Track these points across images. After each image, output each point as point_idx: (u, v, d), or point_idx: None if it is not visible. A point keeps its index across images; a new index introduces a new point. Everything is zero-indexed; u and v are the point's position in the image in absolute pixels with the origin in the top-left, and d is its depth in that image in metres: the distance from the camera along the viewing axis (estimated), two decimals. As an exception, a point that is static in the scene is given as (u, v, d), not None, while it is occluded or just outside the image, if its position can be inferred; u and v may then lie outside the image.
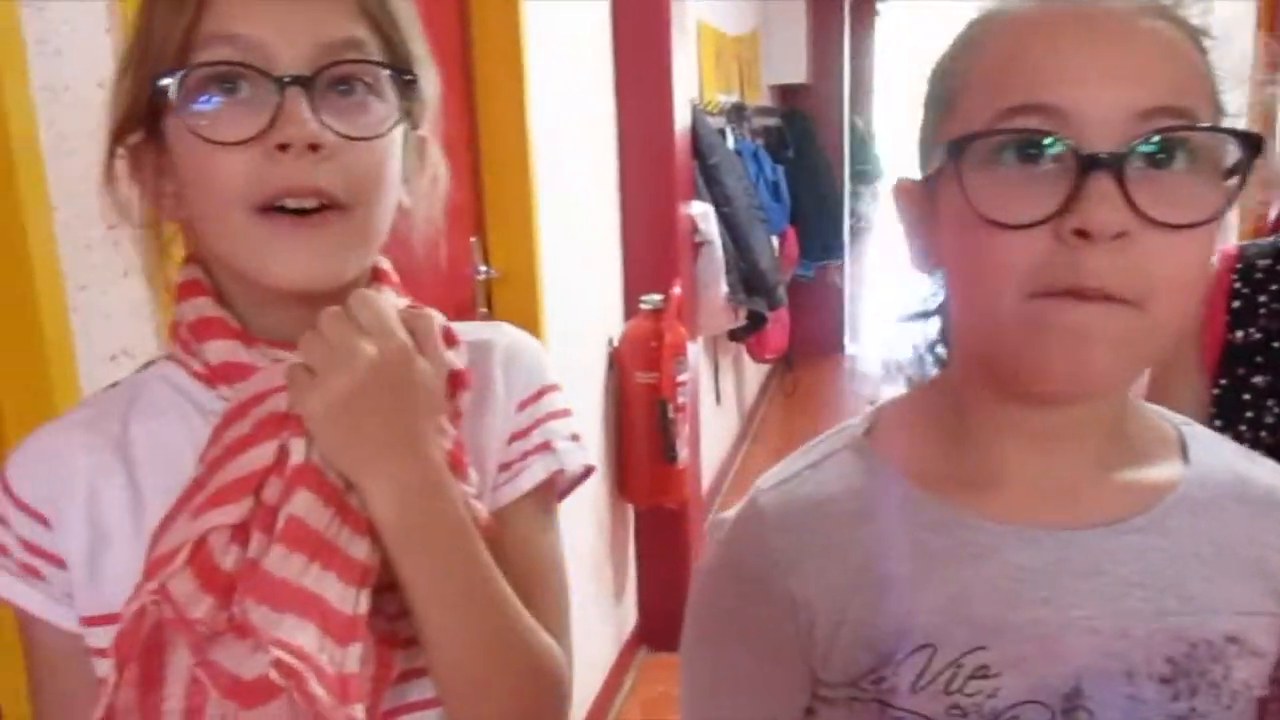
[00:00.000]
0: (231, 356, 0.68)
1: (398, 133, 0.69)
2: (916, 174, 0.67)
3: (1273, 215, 0.87)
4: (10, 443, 0.95)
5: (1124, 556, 0.63)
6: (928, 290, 0.73)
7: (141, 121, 0.67)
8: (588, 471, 0.80)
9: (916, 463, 0.67)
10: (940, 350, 0.74)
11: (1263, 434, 0.77)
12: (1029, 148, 0.57)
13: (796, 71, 5.45)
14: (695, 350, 3.02)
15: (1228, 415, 0.80)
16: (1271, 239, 0.87)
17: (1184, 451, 0.68)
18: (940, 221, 0.63)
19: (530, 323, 2.09)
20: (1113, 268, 0.55)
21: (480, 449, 0.74)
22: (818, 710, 0.69)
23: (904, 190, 0.68)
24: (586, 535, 2.53)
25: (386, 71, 0.67)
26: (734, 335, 3.88)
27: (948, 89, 0.64)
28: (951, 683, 0.62)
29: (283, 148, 0.63)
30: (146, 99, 0.65)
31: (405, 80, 0.68)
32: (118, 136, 0.68)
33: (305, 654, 0.60)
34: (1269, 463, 0.71)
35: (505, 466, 0.75)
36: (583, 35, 2.55)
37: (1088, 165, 0.55)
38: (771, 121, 5.28)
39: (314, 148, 0.63)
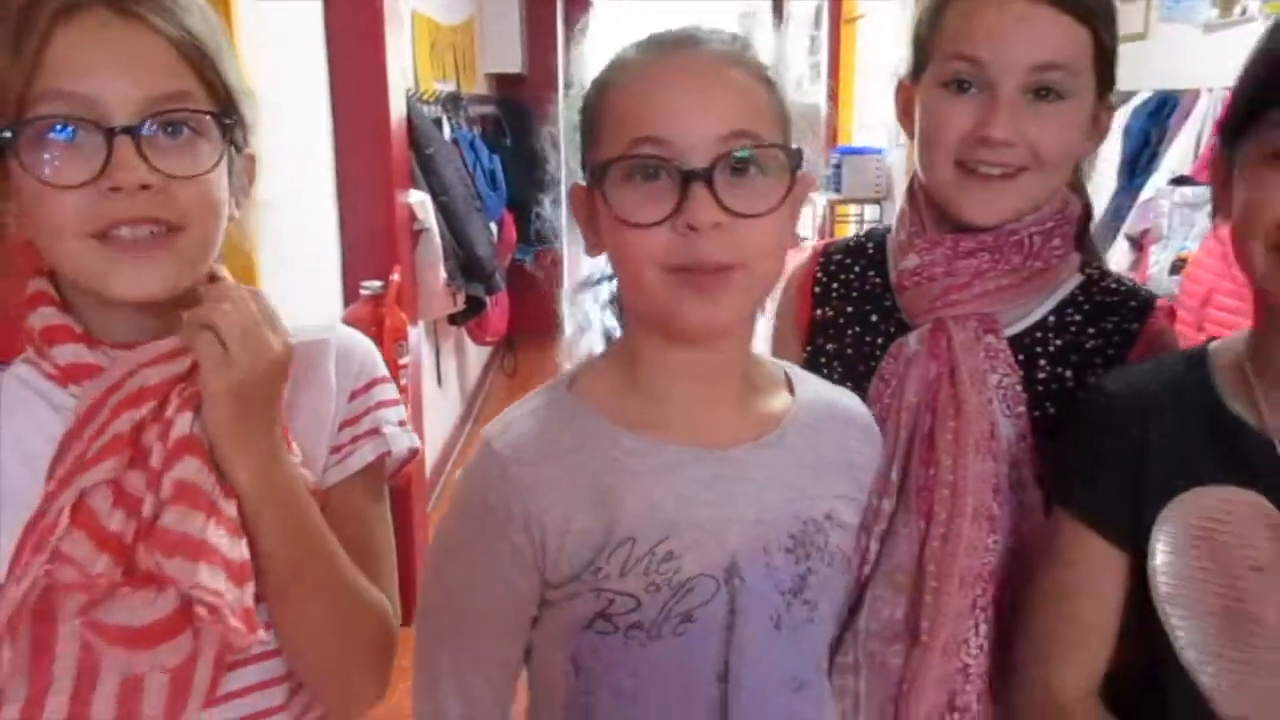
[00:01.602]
0: (77, 358, 0.76)
1: (224, 161, 0.77)
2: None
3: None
4: None
5: (761, 466, 0.85)
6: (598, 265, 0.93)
7: None
8: (413, 453, 0.93)
9: (611, 405, 0.85)
10: (615, 310, 0.93)
11: None
12: (647, 168, 0.78)
13: (512, 61, 5.56)
14: (416, 335, 3.09)
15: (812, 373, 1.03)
16: (847, 237, 1.11)
17: (790, 386, 0.92)
18: (600, 219, 0.83)
19: (248, 311, 2.11)
20: (717, 247, 0.77)
21: (315, 434, 0.85)
22: (543, 617, 0.86)
23: (577, 193, 0.87)
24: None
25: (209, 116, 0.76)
26: (454, 319, 3.95)
27: (591, 122, 0.84)
28: (649, 567, 0.81)
29: (115, 189, 0.70)
30: None
31: (227, 120, 0.78)
32: None
33: (221, 595, 0.70)
34: (847, 391, 0.98)
35: (336, 449, 0.87)
36: (295, 26, 2.57)
37: (688, 178, 0.76)
38: (489, 110, 5.38)
39: (144, 187, 0.71)
